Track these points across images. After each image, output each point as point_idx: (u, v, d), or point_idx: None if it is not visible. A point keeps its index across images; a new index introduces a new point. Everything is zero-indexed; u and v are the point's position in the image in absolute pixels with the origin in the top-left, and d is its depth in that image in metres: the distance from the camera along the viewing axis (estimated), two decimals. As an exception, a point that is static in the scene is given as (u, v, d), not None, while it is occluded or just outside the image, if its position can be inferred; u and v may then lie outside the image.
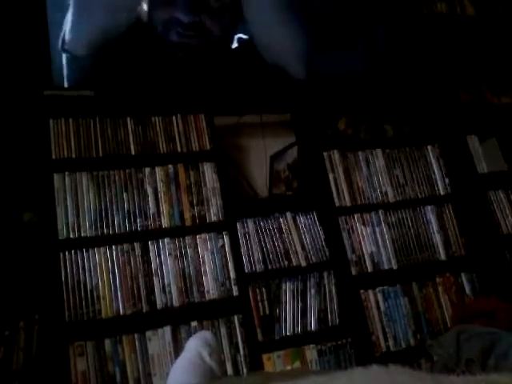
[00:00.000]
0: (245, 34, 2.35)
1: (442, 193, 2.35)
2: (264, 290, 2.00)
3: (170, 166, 2.06)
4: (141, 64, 2.19)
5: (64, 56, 2.08)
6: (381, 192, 2.27)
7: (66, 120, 1.99)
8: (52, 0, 2.09)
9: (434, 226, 2.27)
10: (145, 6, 2.18)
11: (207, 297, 1.91)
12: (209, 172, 2.09)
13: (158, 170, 2.04)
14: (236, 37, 2.35)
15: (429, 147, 2.44)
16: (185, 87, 2.23)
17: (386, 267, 2.15)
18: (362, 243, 2.16)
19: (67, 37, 2.06)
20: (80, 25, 2.09)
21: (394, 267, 2.16)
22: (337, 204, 2.18)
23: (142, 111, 2.11)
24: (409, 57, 2.50)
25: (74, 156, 1.95)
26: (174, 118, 2.14)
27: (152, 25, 2.17)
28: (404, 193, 2.30)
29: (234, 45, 2.36)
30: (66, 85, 2.09)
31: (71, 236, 1.83)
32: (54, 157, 1.92)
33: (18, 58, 2.04)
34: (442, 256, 2.24)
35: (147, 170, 2.02)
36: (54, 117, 1.97)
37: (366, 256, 2.14)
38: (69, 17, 2.07)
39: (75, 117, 2.00)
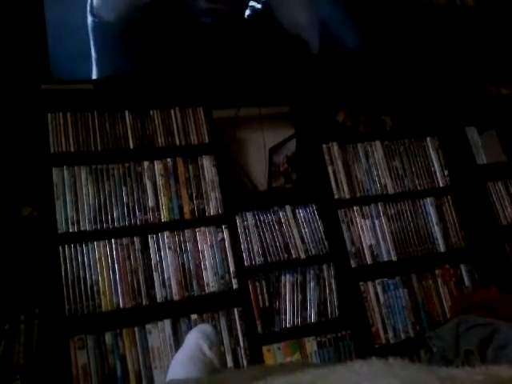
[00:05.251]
0: (258, 3, 2.32)
1: (441, 184, 2.35)
2: (264, 282, 2.00)
3: (169, 159, 2.05)
4: (167, 33, 2.18)
5: (90, 21, 2.06)
6: (380, 184, 2.27)
7: (64, 114, 1.98)
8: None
9: (434, 218, 2.27)
10: None
11: (207, 290, 1.91)
12: (208, 165, 2.09)
13: (156, 163, 2.03)
14: (249, 4, 2.31)
15: (428, 139, 2.43)
16: (183, 80, 2.22)
17: (386, 259, 2.16)
18: (362, 235, 2.16)
19: (95, 1, 2.05)
20: None
21: (394, 259, 2.16)
22: (336, 196, 2.18)
23: (140, 105, 2.10)
24: (408, 48, 2.49)
25: (72, 150, 1.94)
26: (172, 111, 2.14)
27: None
28: (403, 185, 2.30)
29: (247, 12, 2.32)
30: (92, 50, 2.06)
31: (70, 230, 1.83)
32: (52, 151, 1.91)
33: (15, 51, 2.03)
34: (442, 248, 2.24)
35: (146, 163, 2.02)
36: (52, 111, 1.96)
37: (365, 248, 2.14)
38: None
39: (73, 111, 1.99)
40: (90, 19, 2.05)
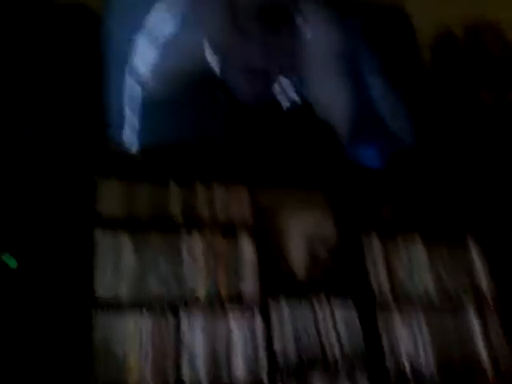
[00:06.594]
0: (292, 88, 2.41)
1: (485, 293, 2.25)
2: (293, 378, 1.89)
3: (210, 234, 2.03)
4: (210, 109, 2.27)
5: (137, 89, 2.16)
6: (421, 285, 2.19)
7: (114, 179, 2.01)
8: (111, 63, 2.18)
9: (477, 330, 2.15)
10: (215, 59, 2.31)
11: (235, 377, 1.81)
12: (247, 245, 2.07)
13: (197, 237, 2.01)
14: (284, 90, 2.41)
15: (471, 242, 2.37)
16: (229, 157, 2.25)
17: (424, 369, 2.02)
18: (400, 339, 2.05)
19: (143, 73, 2.18)
20: (157, 64, 2.22)
21: (433, 370, 2.03)
22: (375, 293, 2.11)
23: (186, 177, 2.13)
24: (452, 147, 2.51)
25: (117, 215, 1.95)
26: (217, 186, 2.15)
27: (222, 75, 2.31)
28: (445, 290, 2.21)
29: (280, 98, 2.41)
30: (132, 118, 2.14)
31: (106, 296, 1.80)
32: (98, 214, 1.92)
33: (76, 116, 2.10)
34: (486, 363, 2.10)
35: (186, 236, 2.01)
36: (103, 175, 2.00)
37: (402, 353, 2.02)
38: (148, 56, 2.22)
39: (123, 177, 2.03)
40: (137, 88, 2.16)
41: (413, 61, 2.70)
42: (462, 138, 2.58)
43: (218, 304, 1.91)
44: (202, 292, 1.91)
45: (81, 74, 2.14)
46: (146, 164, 2.10)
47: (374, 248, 2.22)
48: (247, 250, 2.06)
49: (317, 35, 2.51)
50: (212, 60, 2.31)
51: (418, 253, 2.27)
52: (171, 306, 1.85)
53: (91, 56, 2.17)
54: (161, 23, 2.28)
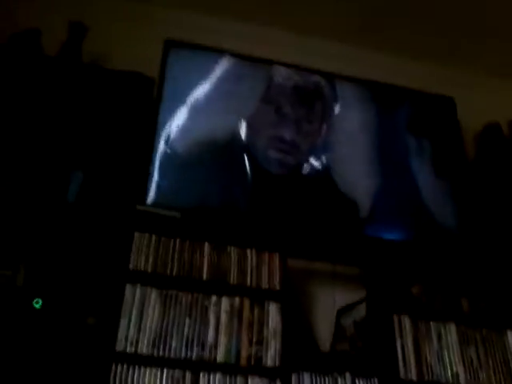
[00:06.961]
0: (317, 161, 2.48)
1: (520, 384, 2.12)
2: None
3: (237, 298, 2.05)
4: (234, 178, 2.36)
5: (162, 149, 2.28)
6: (451, 371, 2.09)
7: (150, 235, 2.08)
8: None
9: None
10: (244, 127, 2.44)
11: None
12: (273, 312, 2.05)
13: (224, 299, 2.03)
14: (309, 162, 2.48)
15: (508, 332, 2.26)
16: (262, 223, 2.29)
17: None
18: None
19: (173, 135, 2.31)
20: (188, 127, 2.36)
21: None
22: (402, 376, 2.02)
23: (220, 239, 2.17)
24: (494, 237, 2.47)
25: (149, 270, 2.01)
26: (249, 251, 2.18)
27: (249, 142, 2.42)
28: (477, 378, 2.10)
29: (305, 169, 2.47)
30: (155, 176, 2.24)
31: (128, 350, 1.81)
32: (131, 267, 1.98)
33: (121, 174, 2.23)
34: None
35: (214, 297, 2.02)
36: (140, 230, 2.08)
37: None
38: (181, 118, 2.36)
39: (159, 234, 2.10)
40: (162, 147, 2.28)
41: (456, 149, 2.73)
42: (504, 228, 2.54)
43: (238, 369, 1.89)
44: (223, 355, 1.90)
45: (129, 134, 2.30)
46: (182, 224, 2.17)
47: (404, 328, 2.15)
48: (274, 317, 2.04)
49: (349, 114, 2.61)
50: (241, 128, 2.44)
51: (450, 336, 2.19)
52: (191, 366, 1.84)
53: (141, 118, 2.35)
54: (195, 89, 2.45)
